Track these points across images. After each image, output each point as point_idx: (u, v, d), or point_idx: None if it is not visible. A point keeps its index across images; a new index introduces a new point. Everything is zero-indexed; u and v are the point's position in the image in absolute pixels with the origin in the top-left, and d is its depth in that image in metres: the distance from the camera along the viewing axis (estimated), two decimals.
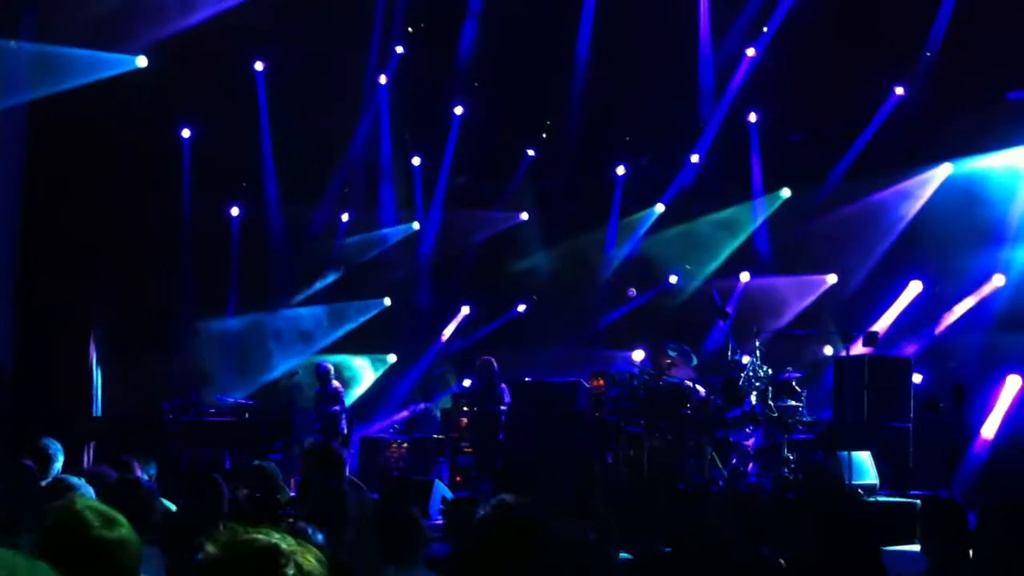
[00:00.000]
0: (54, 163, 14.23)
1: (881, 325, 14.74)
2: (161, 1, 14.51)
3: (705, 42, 16.22)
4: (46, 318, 13.75)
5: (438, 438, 14.68)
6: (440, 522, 6.68)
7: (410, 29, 17.15)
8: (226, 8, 14.85)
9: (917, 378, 13.52)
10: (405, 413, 15.95)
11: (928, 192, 15.13)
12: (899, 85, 15.22)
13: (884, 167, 15.38)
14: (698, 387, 12.09)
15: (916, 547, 9.02)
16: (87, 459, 12.80)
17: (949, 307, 14.55)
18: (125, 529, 2.61)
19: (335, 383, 14.38)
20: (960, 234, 14.45)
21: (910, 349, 14.19)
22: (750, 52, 16.12)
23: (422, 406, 15.80)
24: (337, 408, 14.11)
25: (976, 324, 14.27)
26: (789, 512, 4.18)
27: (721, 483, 11.10)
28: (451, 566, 4.65)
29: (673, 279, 16.82)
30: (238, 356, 16.38)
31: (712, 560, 4.20)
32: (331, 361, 15.30)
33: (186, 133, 16.32)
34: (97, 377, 13.58)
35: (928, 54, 14.95)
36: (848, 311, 15.03)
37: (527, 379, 13.86)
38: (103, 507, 2.66)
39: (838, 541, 3.85)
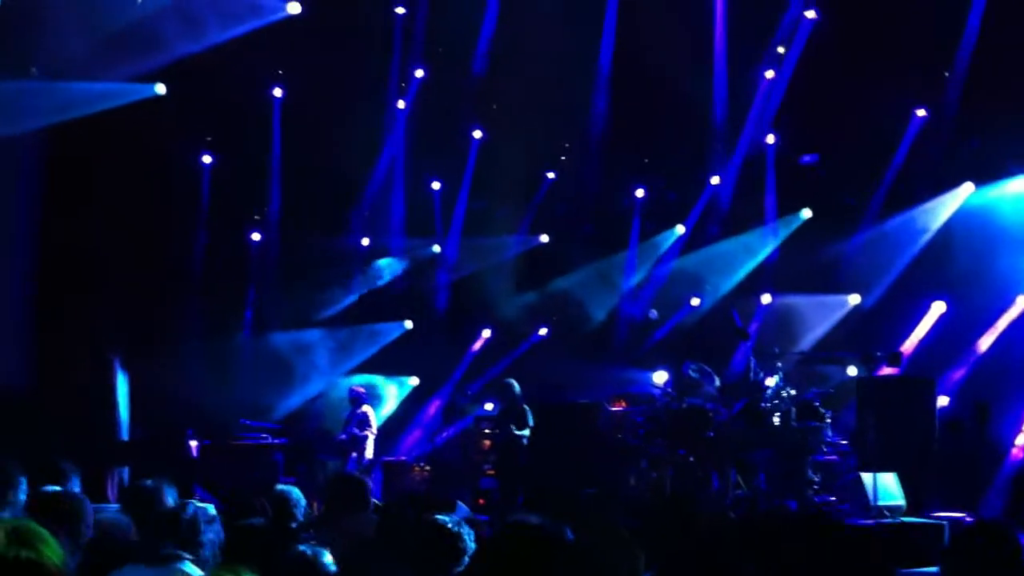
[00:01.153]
0: (72, 188, 14.35)
1: (905, 346, 14.68)
2: (174, 27, 14.63)
3: (721, 64, 16.25)
4: (66, 342, 13.83)
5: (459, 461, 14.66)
6: None
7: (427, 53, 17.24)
8: (242, 34, 14.98)
9: (943, 400, 13.45)
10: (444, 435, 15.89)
11: (949, 212, 15.09)
12: (920, 107, 15.20)
13: (906, 188, 15.37)
14: (720, 409, 12.03)
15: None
16: (110, 484, 12.85)
17: (979, 329, 14.47)
18: (43, 550, 2.43)
19: (365, 408, 14.42)
20: (982, 254, 14.40)
21: (955, 374, 14.08)
22: (769, 74, 16.15)
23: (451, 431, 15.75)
24: (365, 433, 14.14)
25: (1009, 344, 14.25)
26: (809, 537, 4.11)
27: (743, 506, 11.02)
28: None
29: (695, 301, 16.78)
30: (259, 380, 16.40)
31: None
32: (360, 383, 15.31)
33: (207, 159, 16.45)
34: (123, 401, 13.65)
35: (947, 74, 14.95)
36: (871, 332, 14.96)
37: (548, 401, 13.82)
38: (25, 526, 2.49)
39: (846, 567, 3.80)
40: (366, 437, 14.10)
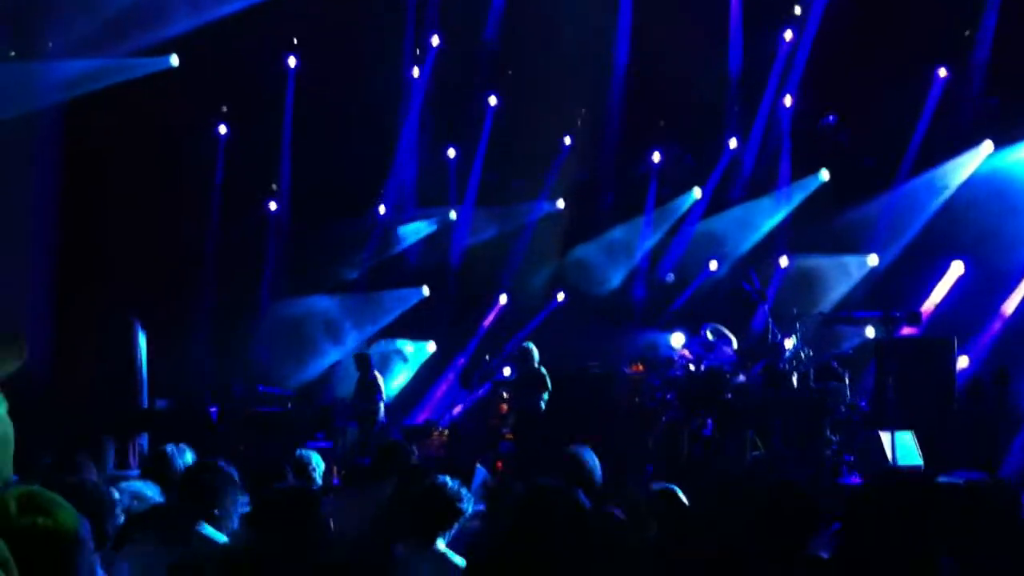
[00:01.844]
0: (90, 161, 14.44)
1: (924, 306, 14.61)
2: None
3: (737, 25, 16.13)
4: (86, 312, 13.95)
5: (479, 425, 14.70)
6: (482, 507, 6.70)
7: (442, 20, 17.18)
8: (256, 3, 14.96)
9: (964, 361, 13.38)
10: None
11: (968, 172, 14.96)
12: (942, 67, 15.04)
13: (925, 148, 15.25)
14: (738, 371, 12.01)
15: None
16: (132, 452, 12.96)
17: (998, 289, 14.38)
18: (59, 516, 2.36)
19: (375, 373, 14.45)
20: (1002, 215, 14.29)
21: (976, 335, 13.99)
22: (788, 35, 16.02)
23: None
24: (378, 397, 14.18)
25: None
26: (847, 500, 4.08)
27: (761, 468, 11.02)
28: (486, 546, 4.67)
29: (713, 265, 16.74)
30: (278, 347, 16.51)
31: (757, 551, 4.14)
32: (381, 346, 15.36)
33: (223, 130, 16.49)
34: (144, 368, 13.74)
35: (967, 33, 14.78)
36: (890, 293, 14.89)
37: (565, 367, 13.84)
38: (36, 492, 2.42)
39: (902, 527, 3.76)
40: (379, 402, 14.15)
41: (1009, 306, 14.41)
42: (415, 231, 17.92)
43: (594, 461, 6.19)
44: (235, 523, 5.04)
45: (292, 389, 15.10)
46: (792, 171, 16.36)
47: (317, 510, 4.51)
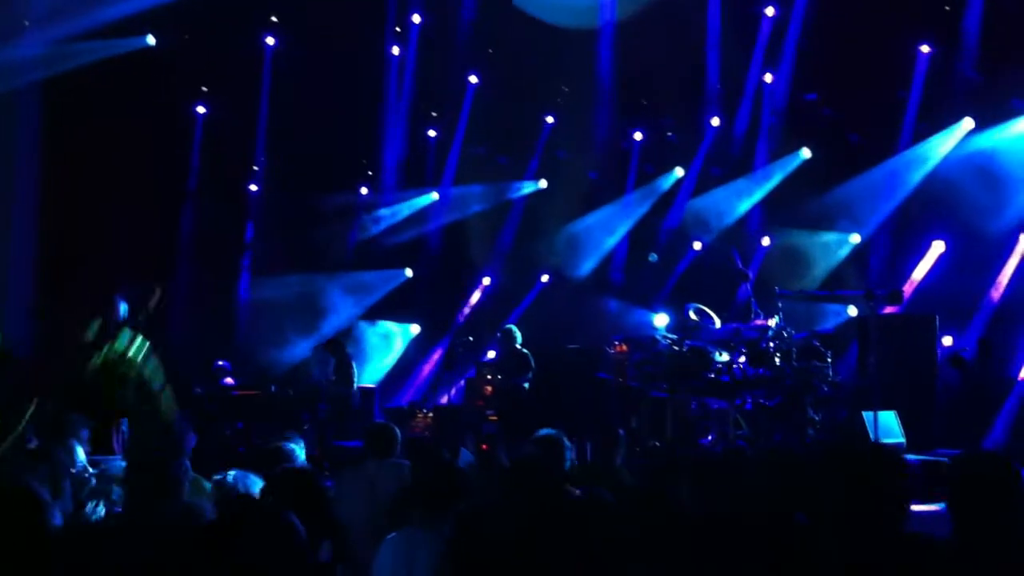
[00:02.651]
0: (69, 141, 14.33)
1: (906, 285, 14.66)
2: None
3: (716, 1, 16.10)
4: (68, 292, 13.86)
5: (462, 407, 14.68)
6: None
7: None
8: None
9: (947, 340, 13.44)
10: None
11: (949, 148, 14.98)
12: (925, 43, 15.03)
13: (908, 125, 15.25)
14: (721, 350, 12.01)
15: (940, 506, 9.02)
16: (115, 436, 12.88)
17: (981, 268, 14.42)
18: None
19: (349, 358, 14.40)
20: (983, 193, 14.32)
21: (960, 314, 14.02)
22: (769, 11, 15.99)
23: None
24: (351, 382, 14.15)
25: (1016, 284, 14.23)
26: (818, 470, 4.08)
27: (744, 445, 11.04)
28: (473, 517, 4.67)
29: (697, 245, 16.75)
30: (259, 329, 16.44)
31: (743, 523, 4.14)
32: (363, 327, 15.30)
33: (200, 110, 16.37)
34: None
35: (948, 8, 14.77)
36: (871, 271, 14.93)
37: (549, 346, 13.84)
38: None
39: (867, 496, 3.77)
40: (353, 387, 14.12)
41: (998, 286, 14.42)
42: (397, 211, 17.85)
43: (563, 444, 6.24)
44: None
45: (274, 371, 15.02)
46: (774, 149, 16.35)
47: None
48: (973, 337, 13.86)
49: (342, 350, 14.28)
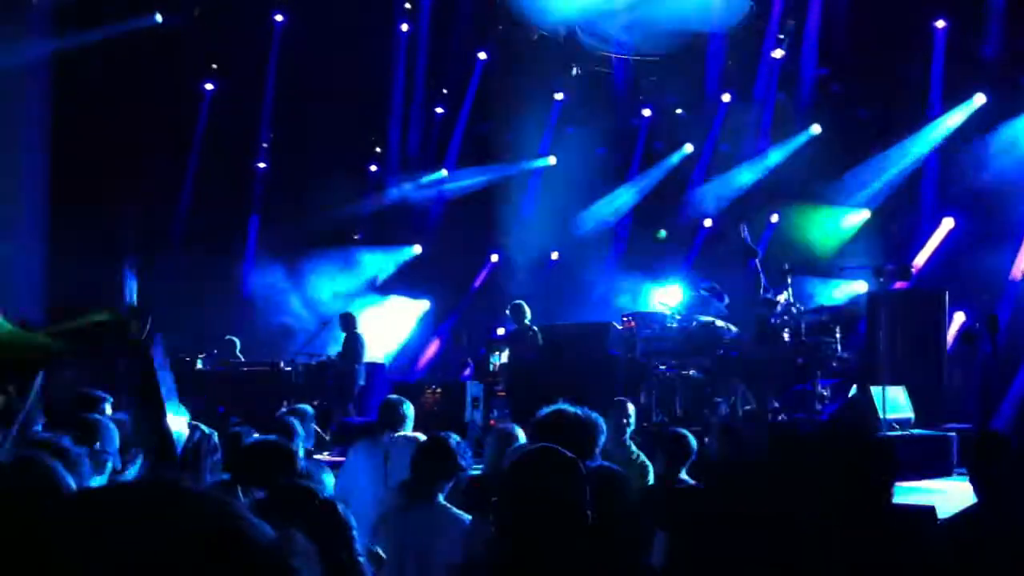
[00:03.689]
0: (79, 116, 14.37)
1: (916, 261, 14.63)
2: None
3: None
4: (77, 267, 13.92)
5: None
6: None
7: None
8: None
9: (959, 317, 13.42)
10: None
11: (959, 122, 14.91)
12: (940, 19, 14.92)
13: (920, 102, 15.18)
14: (730, 326, 12.02)
15: (948, 482, 9.05)
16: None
17: (992, 245, 14.37)
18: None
19: (359, 332, 14.43)
20: (995, 171, 14.27)
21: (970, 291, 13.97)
22: None
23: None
24: (357, 357, 14.20)
25: None
26: (816, 447, 4.12)
27: (752, 421, 11.07)
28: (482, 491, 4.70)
29: (707, 222, 16.73)
30: (266, 305, 16.48)
31: (745, 495, 4.17)
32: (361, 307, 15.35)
33: (209, 87, 16.38)
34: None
35: None
36: (881, 247, 14.91)
37: (558, 322, 13.85)
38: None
39: (852, 476, 3.81)
40: (359, 363, 14.17)
41: (1018, 268, 14.35)
42: (407, 189, 17.84)
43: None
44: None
45: (282, 347, 15.07)
46: (786, 125, 16.30)
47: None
48: (983, 313, 13.83)
49: (352, 324, 14.32)
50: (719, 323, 12.00)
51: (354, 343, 13.97)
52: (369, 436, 7.10)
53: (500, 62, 17.16)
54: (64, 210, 14.34)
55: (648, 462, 7.20)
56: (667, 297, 13.20)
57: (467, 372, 15.60)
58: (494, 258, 17.85)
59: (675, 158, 17.29)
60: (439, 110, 17.80)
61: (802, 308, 11.82)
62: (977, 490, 4.19)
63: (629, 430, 7.62)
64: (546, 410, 4.59)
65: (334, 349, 14.15)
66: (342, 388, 13.67)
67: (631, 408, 7.78)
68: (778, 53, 16.11)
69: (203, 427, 5.31)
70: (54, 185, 14.54)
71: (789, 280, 11.98)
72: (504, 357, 13.83)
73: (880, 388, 10.70)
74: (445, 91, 17.74)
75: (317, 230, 16.87)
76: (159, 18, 14.91)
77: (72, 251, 13.75)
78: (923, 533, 3.87)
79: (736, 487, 4.12)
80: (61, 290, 13.62)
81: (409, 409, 7.03)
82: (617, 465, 5.41)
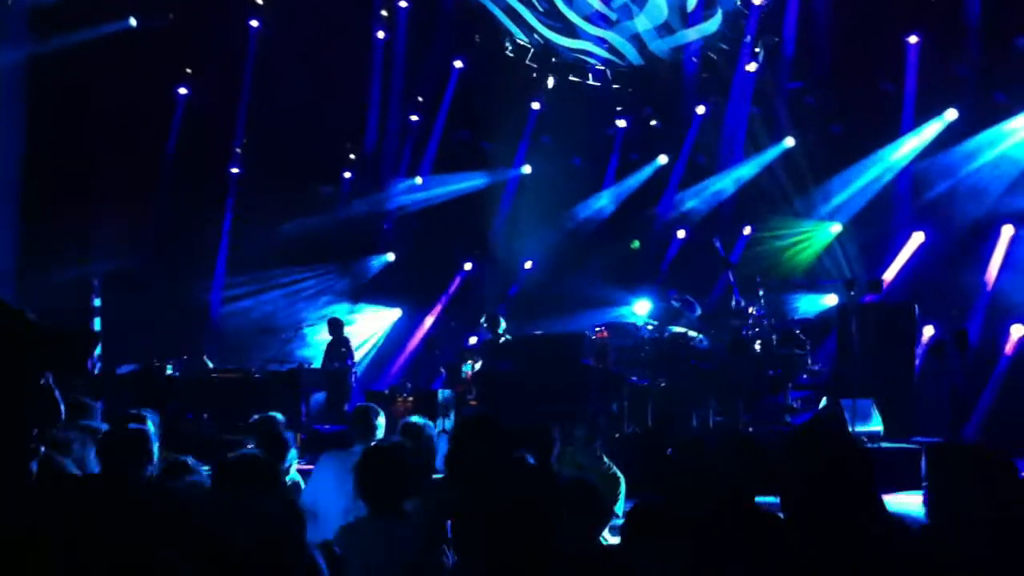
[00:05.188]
0: (56, 118, 14.29)
1: (886, 274, 14.73)
2: None
3: None
4: (47, 272, 13.83)
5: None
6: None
7: None
8: None
9: (929, 330, 13.52)
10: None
11: (930, 137, 15.04)
12: (913, 34, 15.05)
13: (892, 115, 15.29)
14: (702, 337, 12.06)
15: (917, 495, 9.10)
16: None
17: (962, 258, 14.48)
18: None
19: (347, 336, 14.50)
20: (963, 183, 14.40)
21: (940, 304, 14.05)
22: (757, 0, 16.01)
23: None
24: (349, 362, 14.23)
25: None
26: (787, 456, 4.10)
27: (721, 431, 11.09)
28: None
29: (680, 233, 16.78)
30: (238, 313, 16.42)
31: (707, 508, 4.16)
32: (341, 313, 15.33)
33: (183, 91, 16.30)
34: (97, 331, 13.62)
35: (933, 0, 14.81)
36: (851, 260, 15.00)
37: (531, 332, 13.86)
38: None
39: (833, 485, 3.81)
40: (350, 367, 14.18)
41: (989, 273, 14.46)
42: (381, 196, 17.81)
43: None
44: None
45: (254, 354, 15.00)
46: (758, 138, 16.38)
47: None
48: (952, 327, 13.94)
49: (340, 329, 14.37)
50: (691, 334, 12.05)
51: (343, 347, 14.07)
52: (339, 446, 7.00)
53: (476, 71, 17.17)
54: (36, 214, 14.24)
55: (620, 474, 7.21)
56: (639, 308, 13.24)
57: (439, 380, 15.57)
58: (467, 267, 17.84)
59: (650, 169, 17.34)
60: (414, 118, 17.78)
61: (773, 320, 11.89)
62: (927, 505, 4.18)
63: (598, 442, 7.62)
64: None
65: (315, 355, 14.13)
66: (335, 392, 13.66)
67: (601, 419, 7.80)
68: (752, 67, 16.20)
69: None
70: (26, 189, 14.44)
71: (761, 292, 12.05)
72: (477, 366, 13.82)
73: (850, 401, 10.76)
74: (421, 99, 17.72)
75: (290, 236, 16.79)
76: (133, 22, 14.86)
77: (44, 255, 13.67)
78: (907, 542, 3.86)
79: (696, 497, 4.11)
80: (32, 295, 13.50)
81: (381, 418, 6.88)
82: (590, 476, 5.43)
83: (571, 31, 16.64)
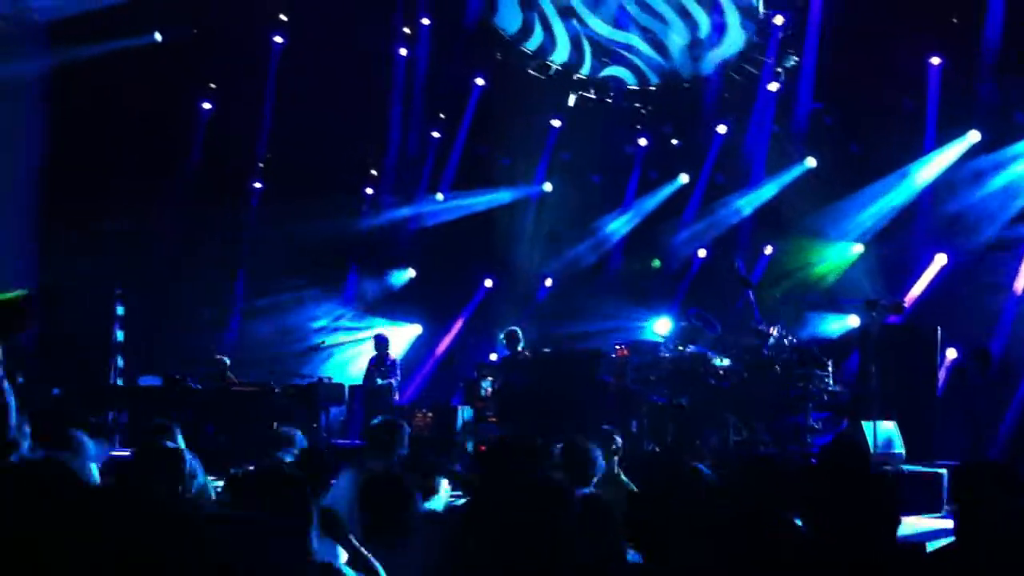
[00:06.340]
0: (76, 131, 14.39)
1: (908, 296, 14.65)
2: None
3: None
4: (69, 287, 13.89)
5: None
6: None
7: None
8: None
9: (952, 353, 13.42)
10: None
11: (953, 159, 14.97)
12: (935, 55, 15.00)
13: (916, 136, 15.23)
14: (722, 356, 12.00)
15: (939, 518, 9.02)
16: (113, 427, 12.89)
17: (985, 281, 14.40)
18: None
19: (391, 354, 14.56)
20: (987, 205, 14.33)
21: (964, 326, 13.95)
22: (778, 20, 15.99)
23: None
24: (392, 380, 14.28)
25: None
26: (810, 479, 4.08)
27: (741, 452, 11.03)
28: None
29: (701, 252, 16.75)
30: (260, 327, 16.45)
31: (730, 530, 4.12)
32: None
33: (206, 106, 16.40)
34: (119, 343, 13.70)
35: (955, 20, 14.76)
36: (874, 281, 14.92)
37: (549, 349, 13.83)
38: None
39: (855, 510, 3.78)
40: (392, 384, 14.27)
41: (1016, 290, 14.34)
42: (402, 212, 17.84)
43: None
44: None
45: (275, 368, 15.02)
46: (780, 158, 16.35)
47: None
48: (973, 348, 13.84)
49: (385, 346, 14.42)
50: (711, 353, 12.00)
51: (388, 361, 14.16)
52: (356, 461, 6.93)
53: (497, 88, 17.21)
54: (58, 224, 14.33)
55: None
56: (659, 327, 13.20)
57: (457, 396, 15.56)
58: (488, 283, 17.83)
59: (670, 188, 17.32)
60: (436, 134, 17.82)
61: (794, 340, 11.82)
62: (956, 524, 4.15)
63: (617, 459, 7.59)
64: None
65: (329, 371, 14.15)
66: (375, 406, 13.71)
67: (619, 438, 7.75)
68: (773, 86, 16.18)
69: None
70: (49, 198, 14.53)
71: (782, 312, 12.00)
72: (495, 383, 13.81)
73: (871, 423, 10.67)
74: (442, 115, 17.77)
75: (311, 250, 16.83)
76: (159, 37, 14.92)
77: (65, 265, 13.75)
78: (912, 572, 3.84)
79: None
80: (53, 304, 13.58)
81: (402, 433, 6.76)
82: (607, 494, 5.39)
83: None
